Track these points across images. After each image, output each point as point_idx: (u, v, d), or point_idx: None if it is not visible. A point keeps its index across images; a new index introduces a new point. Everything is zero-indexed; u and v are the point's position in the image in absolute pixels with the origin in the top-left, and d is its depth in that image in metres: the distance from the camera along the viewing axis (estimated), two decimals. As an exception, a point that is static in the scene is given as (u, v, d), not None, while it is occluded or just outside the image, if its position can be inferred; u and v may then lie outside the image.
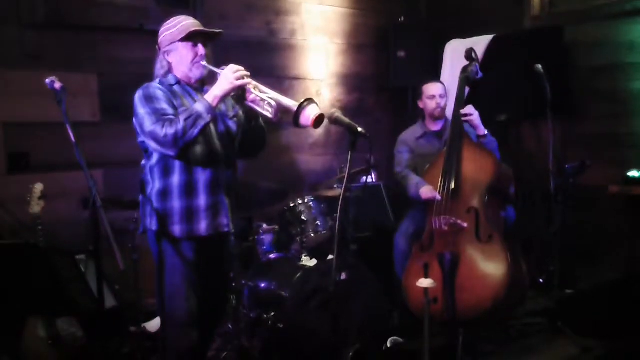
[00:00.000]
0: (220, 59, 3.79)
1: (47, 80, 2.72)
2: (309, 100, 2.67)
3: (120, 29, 4.35)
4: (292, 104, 2.71)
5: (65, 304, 2.68)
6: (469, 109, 4.06)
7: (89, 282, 2.76)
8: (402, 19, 5.64)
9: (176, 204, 2.92)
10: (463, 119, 4.04)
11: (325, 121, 2.70)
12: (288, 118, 2.74)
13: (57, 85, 2.72)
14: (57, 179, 3.99)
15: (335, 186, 4.60)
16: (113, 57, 4.34)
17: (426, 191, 4.05)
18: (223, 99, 2.89)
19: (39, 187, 3.38)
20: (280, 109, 2.81)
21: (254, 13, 5.07)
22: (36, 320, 3.25)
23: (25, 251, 2.65)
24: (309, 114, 2.65)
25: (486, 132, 4.10)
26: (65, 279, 2.63)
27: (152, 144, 2.87)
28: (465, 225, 3.83)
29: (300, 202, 4.16)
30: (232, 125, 3.10)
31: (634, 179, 4.35)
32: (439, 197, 3.94)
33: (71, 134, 2.68)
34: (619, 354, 3.67)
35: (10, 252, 2.65)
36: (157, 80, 3.01)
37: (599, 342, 3.77)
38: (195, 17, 3.07)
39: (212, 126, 2.97)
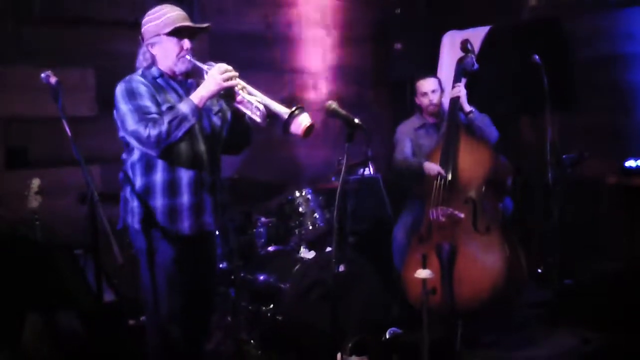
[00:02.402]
0: (217, 53, 3.79)
1: (43, 75, 2.71)
2: (300, 109, 2.63)
3: (117, 23, 4.33)
4: (283, 111, 2.66)
5: (64, 298, 2.68)
6: (458, 88, 4.09)
7: (87, 276, 2.77)
8: (399, 10, 5.61)
9: (159, 202, 2.86)
10: (452, 96, 4.08)
11: (323, 114, 2.70)
12: (275, 122, 2.73)
13: (53, 79, 2.71)
14: (56, 174, 3.98)
15: (333, 179, 4.60)
16: (110, 52, 4.31)
17: (430, 165, 4.05)
18: (209, 100, 2.82)
19: (36, 182, 3.37)
20: (270, 114, 2.75)
21: (250, 6, 5.05)
22: (35, 315, 3.25)
23: (23, 246, 2.65)
24: (300, 123, 2.62)
25: (472, 109, 4.11)
26: (63, 274, 2.63)
27: (133, 142, 2.82)
28: (462, 216, 3.84)
29: (298, 195, 4.16)
30: (217, 120, 3.03)
31: (631, 169, 4.35)
32: (442, 171, 3.94)
33: (67, 129, 2.67)
34: (617, 345, 3.68)
35: (8, 247, 2.65)
36: (139, 72, 2.93)
37: (598, 334, 3.78)
38: (192, 11, 3.05)
39: (196, 123, 2.88)
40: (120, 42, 4.34)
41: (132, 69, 3.00)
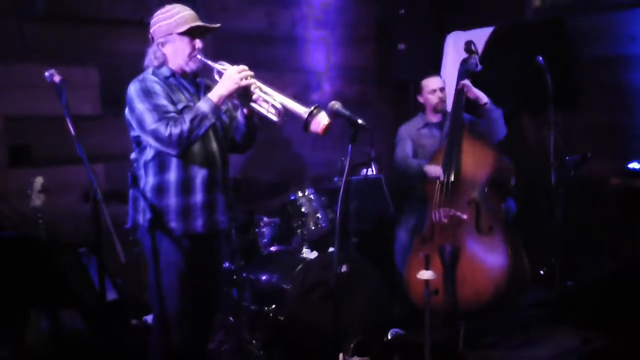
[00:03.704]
0: (220, 52, 3.79)
1: (47, 73, 2.72)
2: (318, 108, 2.66)
3: (121, 22, 4.34)
4: (301, 110, 2.68)
5: (67, 296, 2.68)
6: (463, 81, 4.08)
7: (90, 275, 2.77)
8: (403, 10, 5.61)
9: (172, 201, 2.87)
10: (459, 87, 4.06)
11: (326, 114, 2.70)
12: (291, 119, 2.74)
13: (57, 78, 2.72)
14: (59, 172, 3.99)
15: (335, 179, 4.60)
16: (113, 50, 4.32)
17: (430, 168, 4.05)
18: (227, 99, 2.85)
19: (39, 180, 3.37)
20: (287, 113, 2.77)
21: (254, 5, 5.06)
22: (38, 313, 3.25)
23: (26, 244, 2.65)
24: (320, 121, 2.65)
25: (487, 100, 4.09)
26: (66, 272, 2.63)
27: (152, 142, 2.81)
28: (465, 217, 3.84)
29: (301, 195, 4.17)
30: (226, 119, 3.06)
31: (634, 171, 4.34)
32: (442, 175, 3.93)
33: (71, 127, 2.68)
34: (619, 346, 3.68)
35: (11, 245, 2.65)
36: (150, 71, 2.93)
37: (600, 334, 3.77)
38: (196, 10, 3.03)
39: None
40: (124, 41, 4.35)
41: (135, 68, 3.00)
